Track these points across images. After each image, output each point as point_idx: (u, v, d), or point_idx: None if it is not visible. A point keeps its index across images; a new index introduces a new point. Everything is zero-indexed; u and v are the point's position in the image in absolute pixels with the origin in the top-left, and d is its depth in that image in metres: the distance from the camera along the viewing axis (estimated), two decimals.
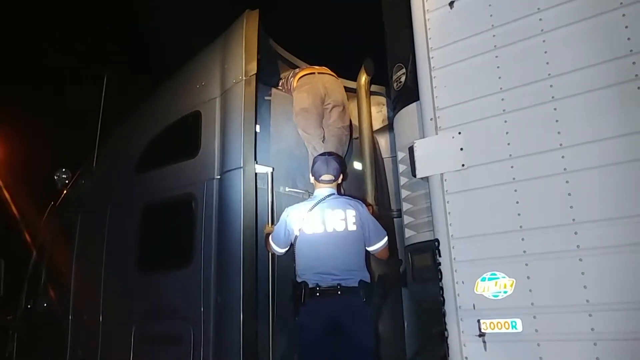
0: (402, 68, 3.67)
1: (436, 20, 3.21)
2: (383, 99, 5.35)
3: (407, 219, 3.66)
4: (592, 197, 2.60)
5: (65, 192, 6.02)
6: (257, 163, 4.05)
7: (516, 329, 2.71)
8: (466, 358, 2.83)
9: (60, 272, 5.73)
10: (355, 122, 5.09)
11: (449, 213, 2.99)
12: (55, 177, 5.74)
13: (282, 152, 4.59)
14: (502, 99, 2.91)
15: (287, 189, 4.49)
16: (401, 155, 3.64)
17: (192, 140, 4.44)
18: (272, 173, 4.21)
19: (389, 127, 5.08)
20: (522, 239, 2.75)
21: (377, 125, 5.29)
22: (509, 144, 2.86)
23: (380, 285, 4.06)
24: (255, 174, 4.02)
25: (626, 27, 2.59)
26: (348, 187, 4.74)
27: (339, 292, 3.61)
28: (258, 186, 4.06)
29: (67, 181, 5.79)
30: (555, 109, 2.74)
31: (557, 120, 2.73)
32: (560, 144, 2.70)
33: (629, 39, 2.59)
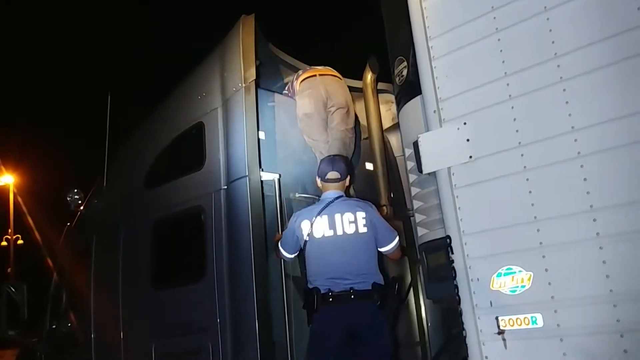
0: (404, 61, 3.56)
1: (433, 7, 3.10)
2: (392, 97, 5.22)
3: (418, 217, 3.55)
4: (610, 181, 2.48)
5: (79, 213, 6.03)
6: (262, 170, 3.98)
7: (537, 324, 2.60)
8: (486, 357, 2.73)
9: (80, 293, 5.74)
10: (363, 122, 4.98)
11: (459, 208, 2.88)
12: (68, 199, 5.73)
13: (289, 158, 4.52)
14: (508, 84, 2.79)
15: (296, 195, 4.41)
16: (408, 152, 3.53)
17: (197, 152, 4.39)
18: (279, 180, 4.14)
19: (399, 125, 4.97)
20: (538, 230, 2.63)
21: (387, 123, 5.17)
22: (517, 131, 2.74)
23: (395, 287, 3.93)
24: (262, 181, 3.95)
25: None
26: (360, 188, 4.65)
27: (352, 297, 3.50)
28: (265, 193, 3.98)
29: (80, 202, 5.79)
30: (564, 90, 2.61)
31: (567, 102, 2.60)
32: (572, 127, 2.57)
33: (639, 8, 2.44)
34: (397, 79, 3.66)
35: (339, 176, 3.87)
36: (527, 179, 2.67)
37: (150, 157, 4.96)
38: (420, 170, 3.10)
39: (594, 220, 2.47)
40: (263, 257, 3.83)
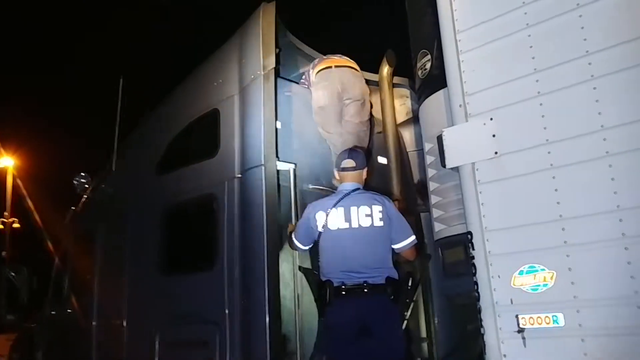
0: (427, 54, 3.53)
1: (462, 1, 3.06)
2: (406, 91, 5.20)
3: (436, 212, 3.52)
4: (638, 181, 2.44)
5: (85, 196, 5.98)
6: (278, 160, 3.94)
7: (558, 323, 2.57)
8: (504, 355, 2.69)
9: (83, 278, 5.71)
10: (378, 115, 4.95)
11: (482, 204, 2.85)
12: (75, 182, 5.67)
13: (305, 148, 4.49)
14: (537, 81, 2.75)
15: (310, 186, 4.38)
16: (429, 146, 3.49)
17: (211, 139, 4.36)
18: (294, 170, 4.10)
19: (413, 120, 4.93)
20: (563, 229, 2.60)
21: (400, 118, 5.13)
22: (545, 128, 2.70)
23: (408, 281, 3.88)
24: (277, 171, 3.92)
25: None
26: (373, 182, 4.60)
27: (365, 290, 3.46)
28: (280, 183, 3.94)
29: (86, 186, 5.73)
30: (594, 88, 2.58)
31: (597, 100, 2.57)
32: (602, 126, 2.54)
33: None
34: (419, 72, 3.63)
35: (354, 164, 3.79)
36: (554, 177, 2.64)
37: (163, 142, 4.93)
38: (443, 165, 3.06)
39: (620, 220, 2.44)
40: (277, 249, 3.79)
